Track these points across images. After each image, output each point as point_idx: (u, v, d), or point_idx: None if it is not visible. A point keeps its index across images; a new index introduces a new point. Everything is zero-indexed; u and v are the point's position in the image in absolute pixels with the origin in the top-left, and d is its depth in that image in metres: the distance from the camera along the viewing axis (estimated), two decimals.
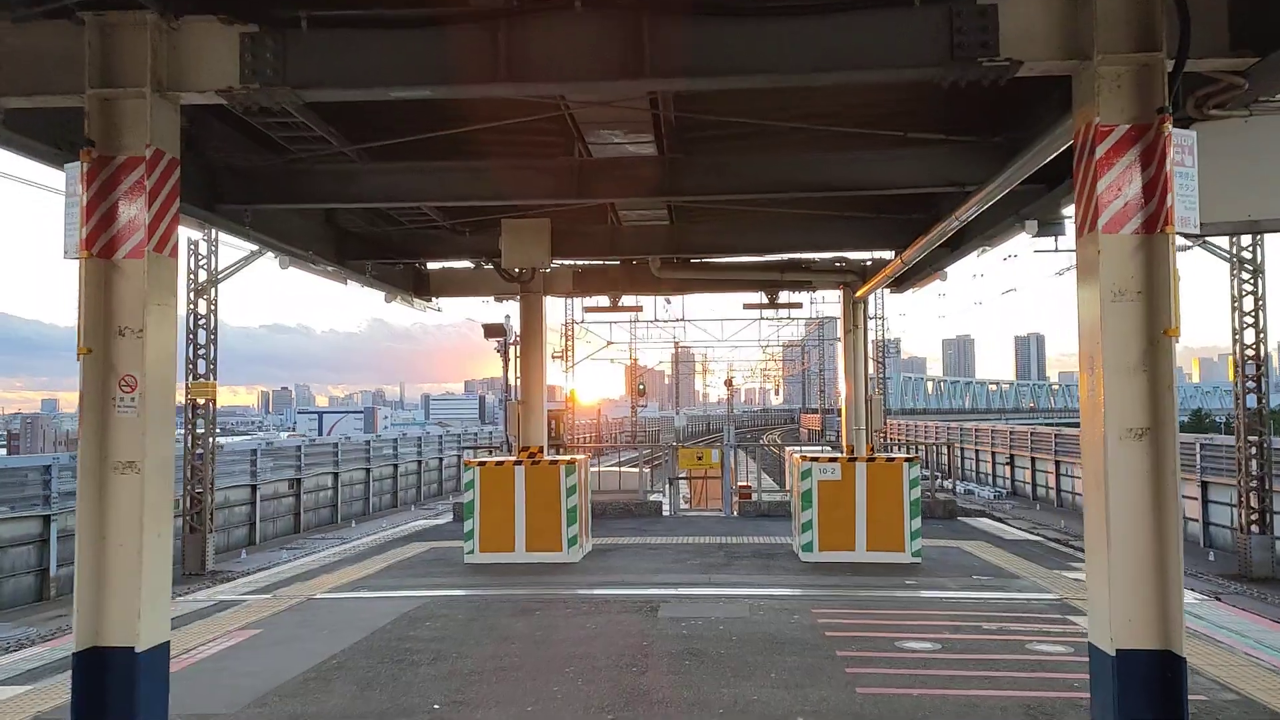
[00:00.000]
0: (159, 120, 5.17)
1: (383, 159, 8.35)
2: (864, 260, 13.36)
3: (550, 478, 13.01)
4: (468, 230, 11.03)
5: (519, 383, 13.73)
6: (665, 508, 18.88)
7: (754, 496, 18.87)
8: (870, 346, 13.33)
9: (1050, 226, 8.62)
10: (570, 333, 57.13)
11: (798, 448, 22.71)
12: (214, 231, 21.47)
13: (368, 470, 34.60)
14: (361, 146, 7.91)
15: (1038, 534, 19.94)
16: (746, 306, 14.17)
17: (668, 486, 19.49)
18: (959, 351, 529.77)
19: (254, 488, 27.13)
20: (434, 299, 14.10)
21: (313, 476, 30.54)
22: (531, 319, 13.54)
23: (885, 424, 14.10)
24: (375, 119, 7.64)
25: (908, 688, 7.08)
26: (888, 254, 13.42)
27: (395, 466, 37.27)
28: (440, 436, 44.55)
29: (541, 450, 13.58)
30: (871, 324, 57.03)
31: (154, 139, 5.13)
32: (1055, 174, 7.77)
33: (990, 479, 41.18)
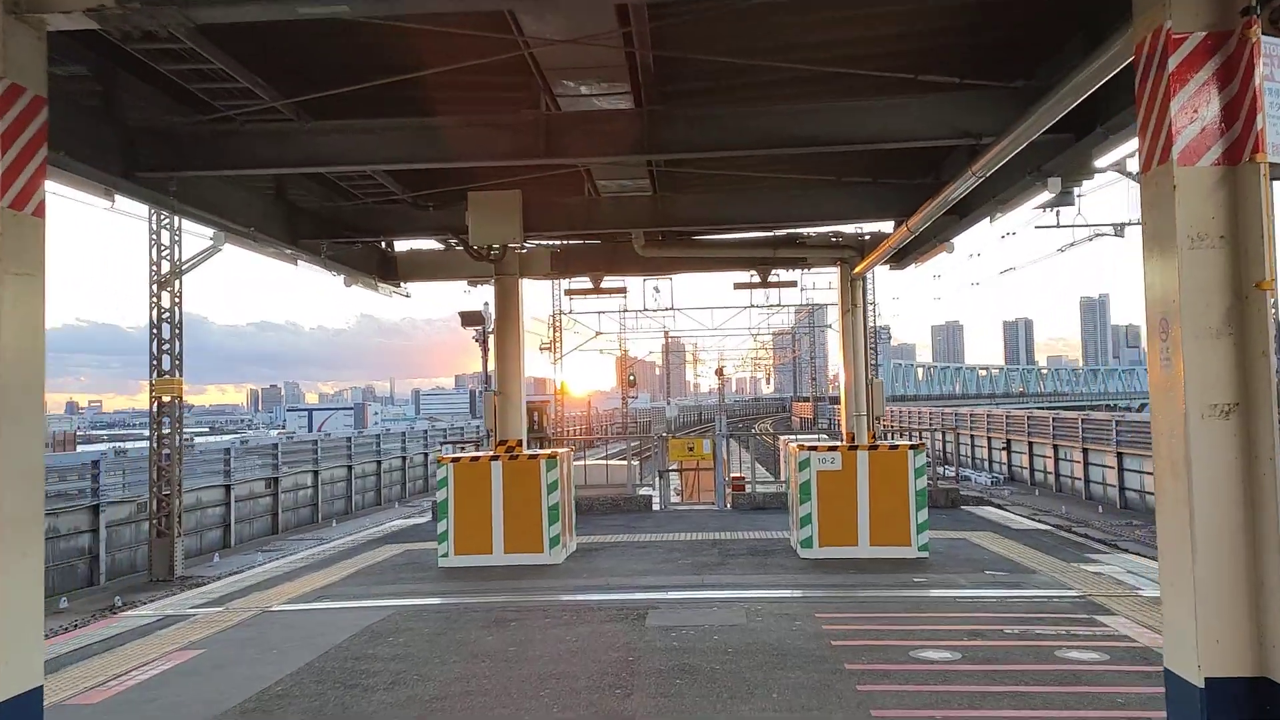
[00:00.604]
0: (16, 48, 4.22)
1: (322, 117, 7.38)
2: (862, 234, 12.46)
3: (530, 474, 12.10)
4: (431, 205, 10.07)
5: (496, 372, 12.79)
6: (655, 502, 17.99)
7: (748, 488, 17.99)
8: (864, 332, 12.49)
9: (1071, 187, 7.71)
10: (558, 324, 56.26)
11: (793, 437, 21.84)
12: (177, 220, 20.46)
13: (349, 468, 33.61)
14: (294, 100, 6.94)
15: (1040, 520, 19.12)
16: (738, 286, 13.26)
17: (658, 479, 18.59)
18: (948, 337, 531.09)
19: (228, 488, 26.14)
20: (402, 283, 13.14)
21: (291, 475, 29.55)
22: (507, 303, 12.59)
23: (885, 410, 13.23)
24: (305, 65, 6.69)
25: (929, 708, 6.20)
26: (886, 226, 12.54)
27: (379, 463, 36.31)
28: (425, 431, 43.62)
29: (520, 444, 12.65)
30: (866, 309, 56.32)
31: (10, 71, 4.19)
32: (1084, 122, 6.87)
33: (986, 464, 40.44)
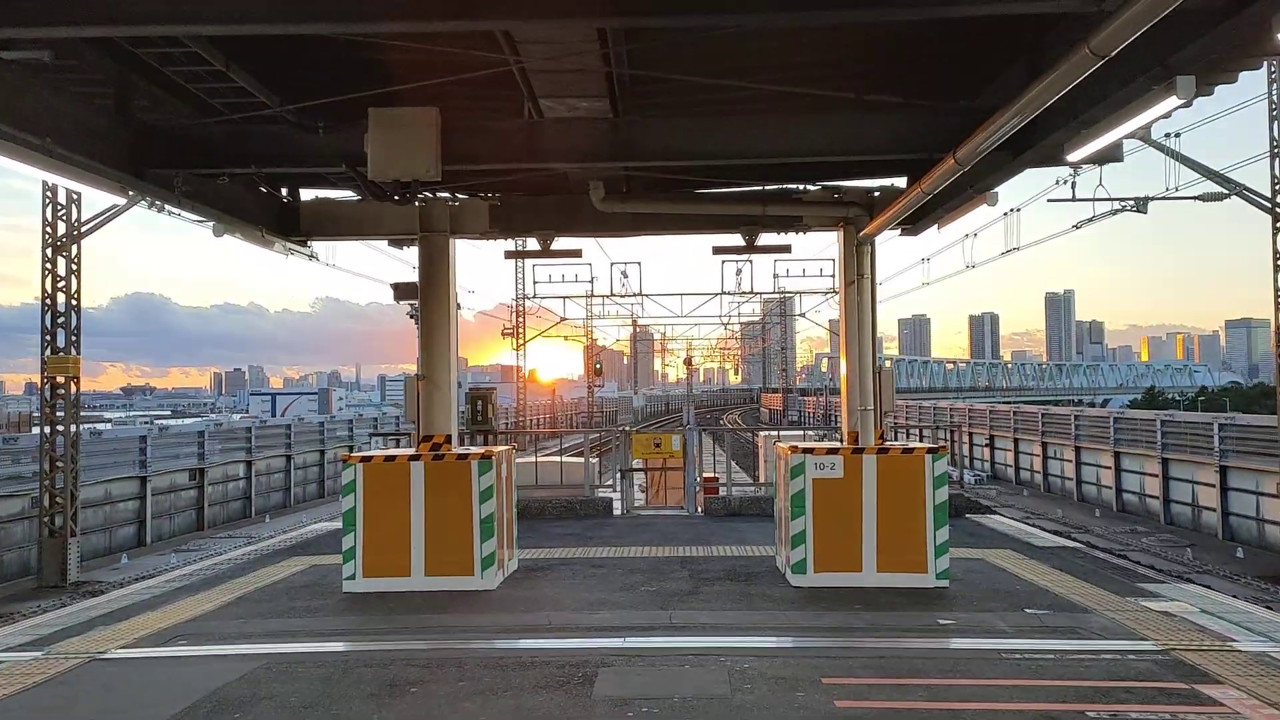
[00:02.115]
0: None
1: None
2: (870, 189, 10.18)
3: (459, 478, 9.78)
4: (321, 126, 7.66)
5: (421, 353, 10.41)
6: (616, 505, 15.69)
7: (722, 491, 15.73)
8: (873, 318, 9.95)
9: (1212, 87, 5.46)
10: (522, 307, 53.90)
11: (774, 432, 19.59)
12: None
13: (288, 457, 30.99)
14: None
15: (1034, 523, 17.06)
16: (717, 250, 10.91)
17: (619, 480, 16.28)
18: (915, 331, 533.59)
19: (144, 480, 23.50)
20: (308, 241, 10.70)
21: (219, 466, 26.91)
22: (435, 267, 10.22)
23: (894, 403, 10.91)
24: None
25: None
26: (900, 181, 10.29)
27: (322, 452, 33.72)
28: (376, 419, 41.03)
29: (449, 441, 10.29)
30: (837, 298, 54.09)
31: None
32: None
33: (968, 461, 38.49)
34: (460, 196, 10.34)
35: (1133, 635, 7.64)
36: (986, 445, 37.31)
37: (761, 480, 19.46)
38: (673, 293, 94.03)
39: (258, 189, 9.70)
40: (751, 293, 52.04)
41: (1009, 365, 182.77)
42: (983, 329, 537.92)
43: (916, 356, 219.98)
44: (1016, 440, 34.38)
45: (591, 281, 49.22)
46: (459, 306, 22.51)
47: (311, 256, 10.81)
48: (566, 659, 7.13)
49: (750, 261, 49.25)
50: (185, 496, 25.55)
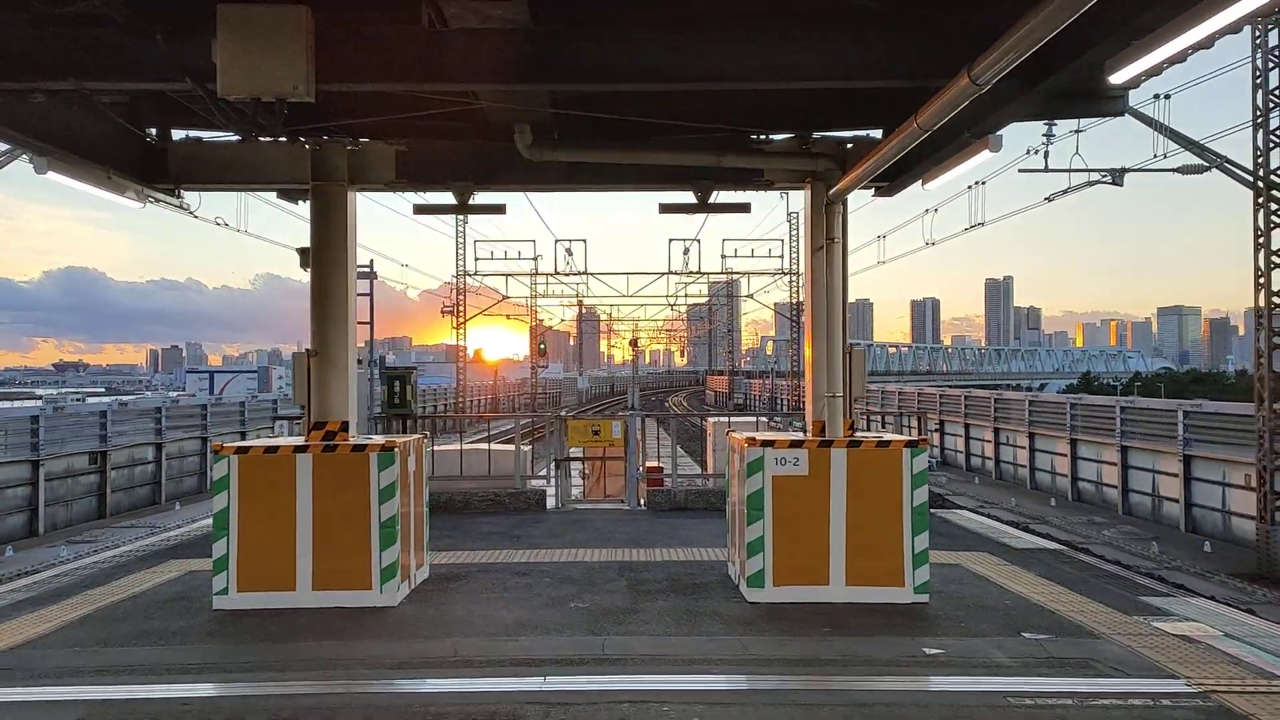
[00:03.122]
0: None
1: None
2: (842, 139, 8.77)
3: (354, 473, 8.21)
4: (159, 31, 6.00)
5: (313, 324, 8.78)
6: (551, 497, 14.20)
7: (667, 482, 14.31)
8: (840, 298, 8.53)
9: None
10: (462, 285, 52.02)
11: (726, 418, 18.18)
12: None
13: (204, 439, 28.96)
14: None
15: (987, 514, 15.98)
16: (664, 209, 9.38)
17: (554, 469, 14.78)
18: (857, 315, 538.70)
19: (36, 464, 21.47)
20: (178, 190, 8.99)
21: (124, 449, 24.88)
22: (330, 221, 8.60)
23: (864, 390, 9.51)
24: None
25: None
26: (875, 132, 8.90)
27: (243, 434, 31.68)
28: None
29: (345, 429, 8.71)
30: (785, 279, 53.01)
31: None
32: None
33: None
34: (363, 141, 8.71)
35: (1158, 670, 6.35)
36: (936, 430, 36.43)
37: (710, 470, 18.09)
38: (619, 271, 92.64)
39: (112, 122, 7.99)
40: (699, 273, 50.84)
41: (949, 350, 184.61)
42: (924, 314, 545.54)
43: (859, 340, 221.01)
44: (967, 425, 33.53)
45: (535, 259, 47.79)
46: (375, 276, 20.81)
47: (184, 209, 9.10)
48: (469, 708, 5.64)
49: (699, 241, 47.96)
50: (85, 482, 23.54)
